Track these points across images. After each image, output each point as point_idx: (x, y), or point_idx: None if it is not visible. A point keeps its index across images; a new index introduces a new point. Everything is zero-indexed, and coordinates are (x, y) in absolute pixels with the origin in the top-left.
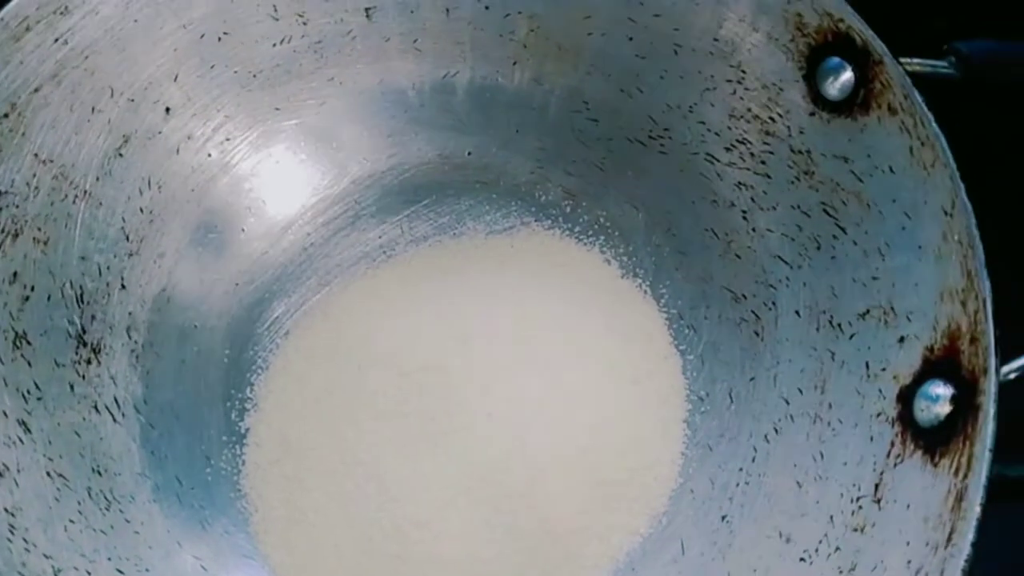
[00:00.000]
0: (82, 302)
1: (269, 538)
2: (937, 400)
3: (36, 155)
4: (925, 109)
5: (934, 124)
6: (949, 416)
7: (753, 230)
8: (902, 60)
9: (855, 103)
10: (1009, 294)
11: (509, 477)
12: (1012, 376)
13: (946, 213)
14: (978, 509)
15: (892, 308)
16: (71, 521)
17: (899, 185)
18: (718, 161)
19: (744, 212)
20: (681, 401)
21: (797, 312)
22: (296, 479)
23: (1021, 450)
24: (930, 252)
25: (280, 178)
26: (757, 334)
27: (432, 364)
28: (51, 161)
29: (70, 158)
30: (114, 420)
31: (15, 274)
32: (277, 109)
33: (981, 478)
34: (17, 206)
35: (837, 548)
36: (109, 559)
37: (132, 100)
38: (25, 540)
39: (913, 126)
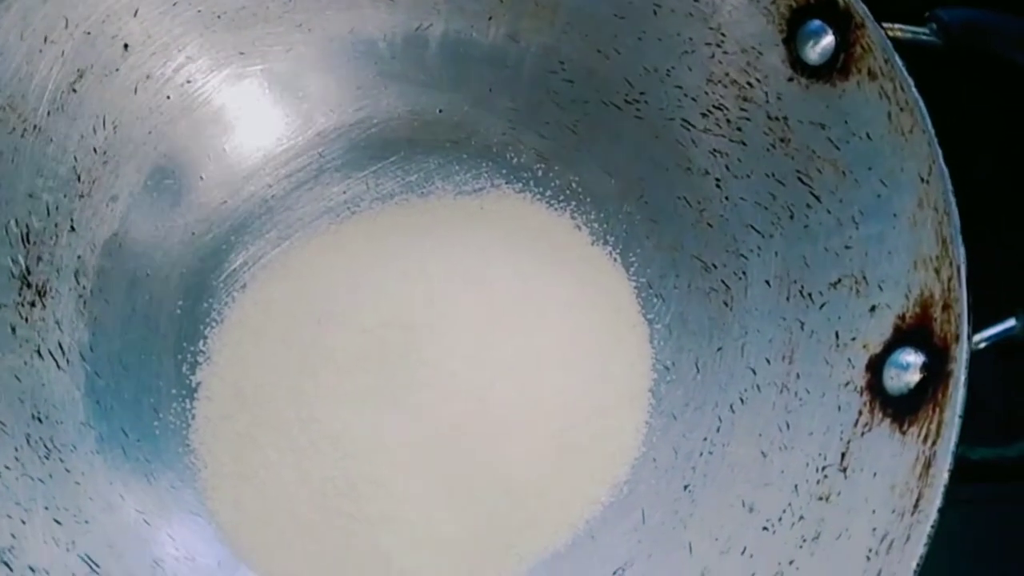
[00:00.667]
0: (28, 241)
1: (217, 495)
2: (907, 368)
3: None
4: (905, 74)
5: (914, 89)
6: (919, 384)
7: (726, 198)
8: (883, 25)
9: (835, 68)
10: (982, 263)
11: (469, 438)
12: (982, 346)
13: (922, 180)
14: (946, 475)
15: (864, 277)
16: (6, 467)
17: (876, 152)
18: (694, 127)
19: (718, 180)
20: (647, 370)
21: (767, 282)
22: (248, 435)
23: (982, 433)
24: (905, 220)
25: (242, 126)
26: (726, 304)
27: (395, 321)
28: None
29: (19, 88)
30: (58, 367)
31: None
32: (242, 53)
33: (950, 444)
34: None
35: (801, 517)
36: (46, 508)
37: (88, 33)
38: None
39: (892, 91)
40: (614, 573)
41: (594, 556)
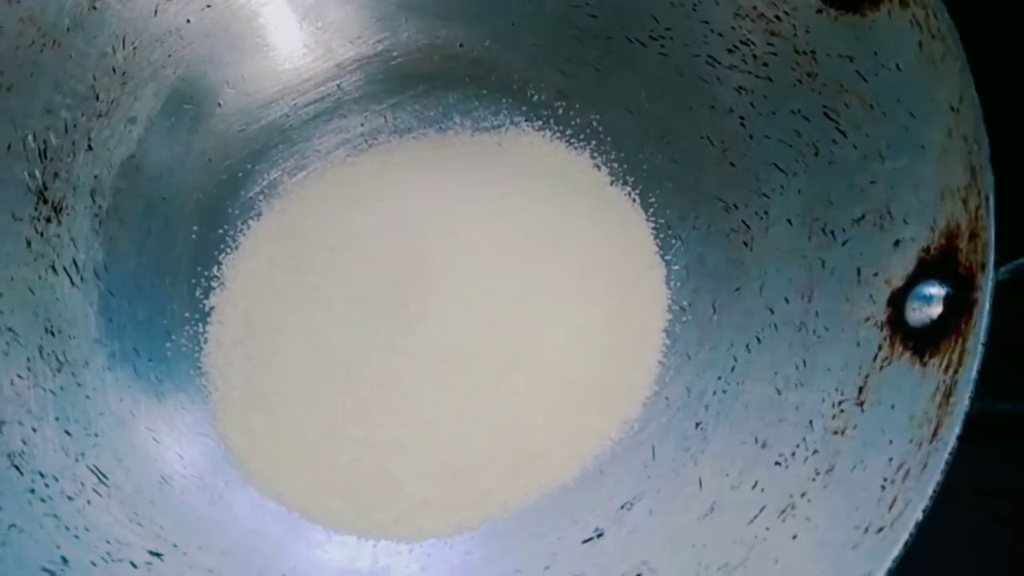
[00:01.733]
0: (45, 157)
1: (227, 417)
2: (930, 300)
3: None
4: (939, 0)
5: (947, 16)
6: (941, 316)
7: (750, 137)
8: None
9: None
10: (1011, 195)
11: (479, 369)
12: (1006, 277)
13: (953, 109)
14: (966, 403)
15: (889, 212)
16: (19, 376)
17: (905, 83)
18: (719, 64)
19: (742, 118)
20: (662, 311)
21: (789, 221)
22: (260, 360)
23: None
24: (933, 151)
25: (261, 53)
26: (746, 244)
27: (408, 251)
28: (18, 2)
29: (39, 2)
30: (72, 283)
31: None
32: None
33: (972, 372)
34: None
35: (815, 451)
36: (57, 419)
37: None
38: None
39: (924, 19)
40: (622, 507)
41: (602, 490)
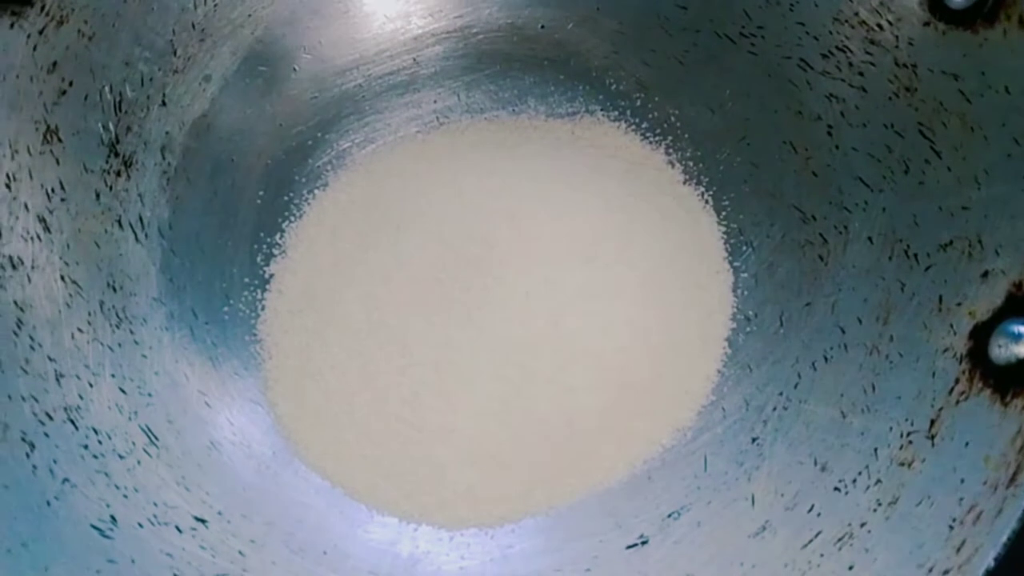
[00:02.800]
0: (119, 110)
1: (279, 387)
2: (1019, 339)
3: None
4: None
5: None
6: None
7: (836, 147)
8: None
9: (980, 13)
10: None
11: (536, 361)
12: None
13: None
14: None
15: (979, 240)
16: (79, 330)
17: (1013, 108)
18: (811, 68)
19: (830, 127)
20: (726, 319)
21: (870, 239)
22: (316, 332)
23: None
24: None
25: (340, 21)
26: (821, 258)
27: (474, 236)
28: None
29: None
30: (136, 239)
31: (55, 64)
32: None
33: None
34: None
35: (878, 481)
36: (113, 376)
37: None
38: (31, 338)
39: None
40: (669, 515)
41: (649, 497)
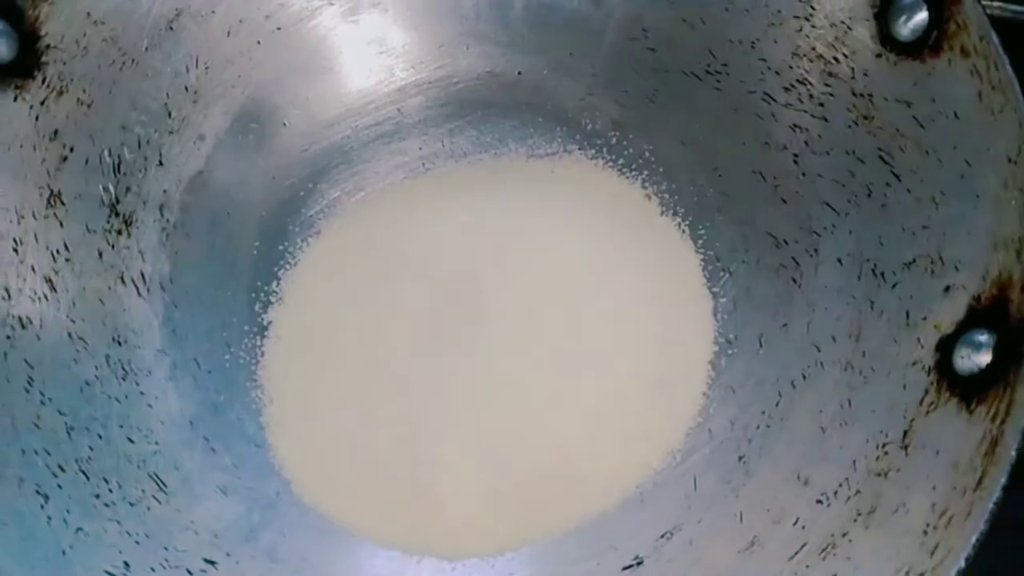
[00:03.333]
0: (119, 172)
1: (280, 430)
2: (980, 348)
3: (89, 14)
4: (1001, 52)
5: (1008, 68)
6: (990, 365)
7: (803, 175)
8: (982, 2)
9: (926, 45)
10: None
11: (528, 394)
12: None
13: (1010, 160)
14: (1012, 453)
15: (940, 257)
16: (87, 383)
17: (962, 131)
18: (775, 101)
19: (796, 156)
20: (708, 343)
21: (839, 260)
22: (315, 375)
23: None
24: (987, 200)
25: (326, 76)
26: (795, 280)
27: (462, 273)
28: (103, 23)
29: (121, 23)
30: (139, 294)
31: (56, 132)
32: (331, 3)
33: (1020, 422)
34: (65, 63)
35: (857, 491)
36: (121, 426)
37: None
38: (42, 394)
39: (985, 69)
40: (662, 536)
41: (643, 518)
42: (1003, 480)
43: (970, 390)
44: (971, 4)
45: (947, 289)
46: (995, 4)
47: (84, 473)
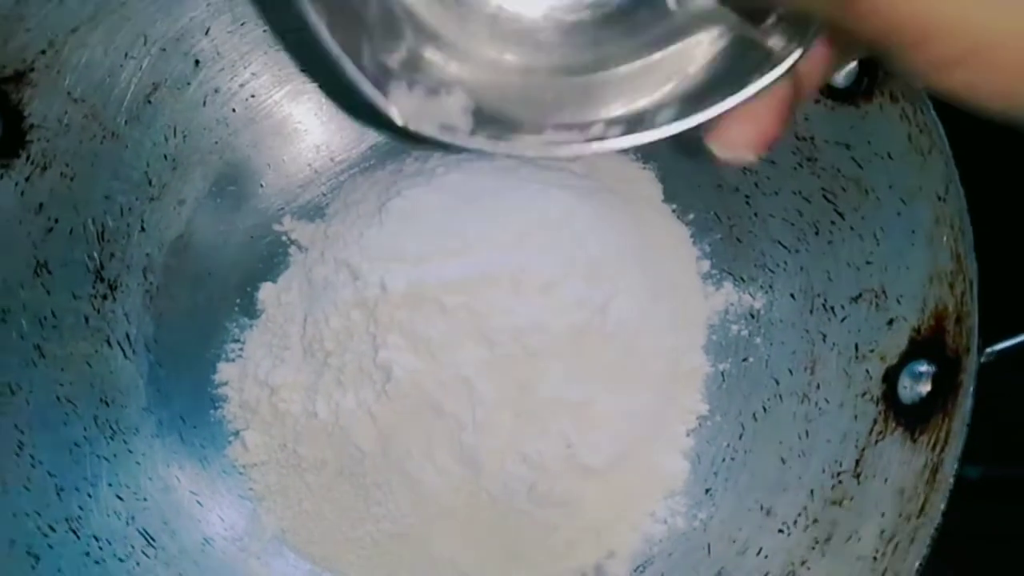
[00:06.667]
0: (103, 239)
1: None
2: (920, 379)
3: (69, 93)
4: (925, 97)
5: (932, 111)
6: (930, 394)
7: (755, 215)
8: None
9: (859, 91)
10: (996, 279)
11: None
12: (993, 357)
13: (940, 198)
14: (951, 481)
15: (884, 291)
16: (76, 444)
17: (897, 171)
18: None
19: (747, 197)
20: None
21: (792, 295)
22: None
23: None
24: (922, 236)
25: (300, 138)
26: (753, 316)
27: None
28: (83, 101)
29: (101, 99)
30: (124, 356)
31: (41, 205)
32: (303, 71)
33: (956, 451)
34: (48, 140)
35: (815, 520)
36: (110, 485)
37: (164, 50)
38: (32, 456)
39: (913, 113)
40: (635, 570)
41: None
42: (942, 506)
43: (913, 419)
44: None
45: (890, 322)
46: None
47: (74, 532)
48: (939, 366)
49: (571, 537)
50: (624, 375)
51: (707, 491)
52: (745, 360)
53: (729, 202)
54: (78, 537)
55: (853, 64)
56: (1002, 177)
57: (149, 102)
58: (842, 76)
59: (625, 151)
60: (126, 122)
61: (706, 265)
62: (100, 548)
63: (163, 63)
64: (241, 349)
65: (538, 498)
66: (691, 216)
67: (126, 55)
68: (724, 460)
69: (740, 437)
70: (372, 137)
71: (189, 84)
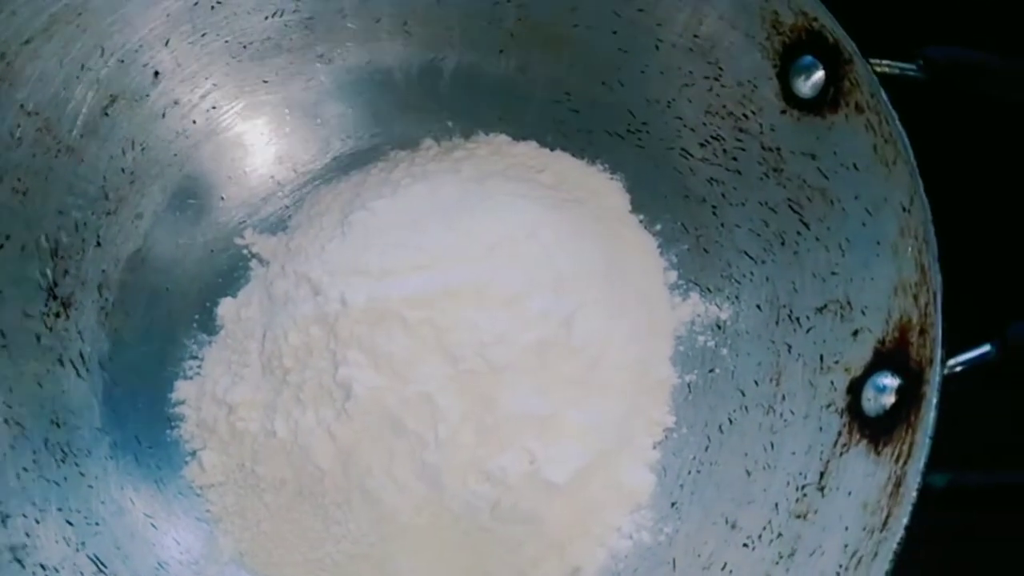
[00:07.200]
0: (56, 256)
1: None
2: (884, 391)
3: (23, 106)
4: (890, 107)
5: (897, 123)
6: (894, 406)
7: (722, 225)
8: (872, 61)
9: (825, 101)
10: (961, 290)
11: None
12: (958, 369)
13: (904, 209)
14: (914, 494)
15: (849, 302)
16: (24, 469)
17: (862, 182)
18: (692, 156)
19: (714, 207)
20: None
21: (759, 306)
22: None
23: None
24: (887, 247)
25: (262, 150)
26: (719, 327)
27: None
28: (37, 113)
29: (56, 112)
30: (78, 375)
31: None
32: (265, 81)
33: (920, 464)
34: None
35: (779, 534)
36: (59, 510)
37: (122, 61)
38: None
39: (878, 124)
40: None
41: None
42: (906, 520)
43: (877, 431)
44: (861, 63)
45: (855, 333)
46: (883, 62)
47: (19, 561)
48: (903, 378)
49: (536, 554)
50: (590, 388)
51: (673, 504)
52: (711, 371)
53: (696, 212)
54: (23, 566)
55: (819, 73)
56: (966, 189)
57: (106, 115)
58: (808, 86)
59: (592, 161)
60: (82, 135)
61: (673, 276)
62: None
63: (121, 75)
64: (199, 366)
65: (502, 515)
66: (658, 227)
67: (82, 67)
68: (690, 473)
69: (706, 449)
70: (336, 147)
71: (148, 96)
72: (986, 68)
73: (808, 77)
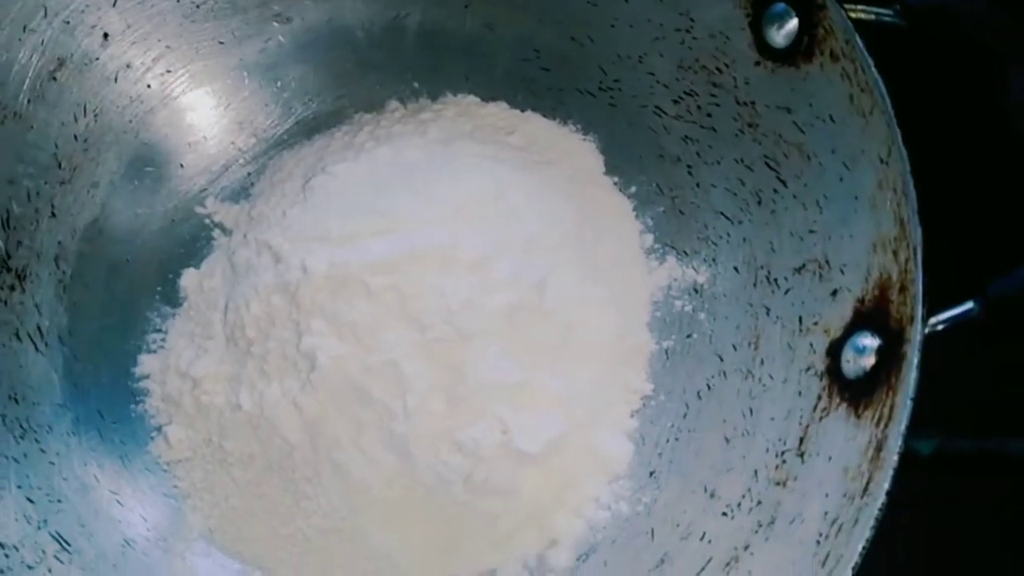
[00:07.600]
0: (8, 227)
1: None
2: (864, 352)
3: None
4: (866, 54)
5: (873, 70)
6: (874, 367)
7: (697, 185)
8: (846, 6)
9: (799, 51)
10: (943, 247)
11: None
12: (940, 328)
13: (882, 161)
14: (895, 458)
15: (827, 261)
16: None
17: (839, 134)
18: (666, 114)
19: (689, 167)
20: None
21: (736, 268)
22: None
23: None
24: (865, 202)
25: (222, 114)
26: (696, 291)
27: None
28: None
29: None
30: (36, 349)
31: None
32: (221, 43)
33: (901, 427)
34: None
35: (759, 502)
36: (19, 487)
37: (68, 22)
38: None
39: (854, 72)
40: (578, 558)
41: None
42: (887, 485)
43: (857, 394)
44: (835, 9)
45: (834, 293)
46: (859, 8)
47: None
48: (883, 338)
49: (512, 527)
50: (564, 355)
51: (651, 474)
52: (689, 336)
53: (672, 173)
54: None
55: (792, 22)
56: (945, 139)
57: (54, 79)
58: (781, 35)
59: (564, 121)
60: (29, 101)
61: (649, 239)
62: (6, 555)
63: (67, 37)
64: (163, 339)
65: (475, 487)
66: (633, 188)
67: (25, 28)
68: (668, 441)
69: (684, 416)
70: (298, 111)
71: (98, 59)
72: (965, 13)
73: (781, 26)
